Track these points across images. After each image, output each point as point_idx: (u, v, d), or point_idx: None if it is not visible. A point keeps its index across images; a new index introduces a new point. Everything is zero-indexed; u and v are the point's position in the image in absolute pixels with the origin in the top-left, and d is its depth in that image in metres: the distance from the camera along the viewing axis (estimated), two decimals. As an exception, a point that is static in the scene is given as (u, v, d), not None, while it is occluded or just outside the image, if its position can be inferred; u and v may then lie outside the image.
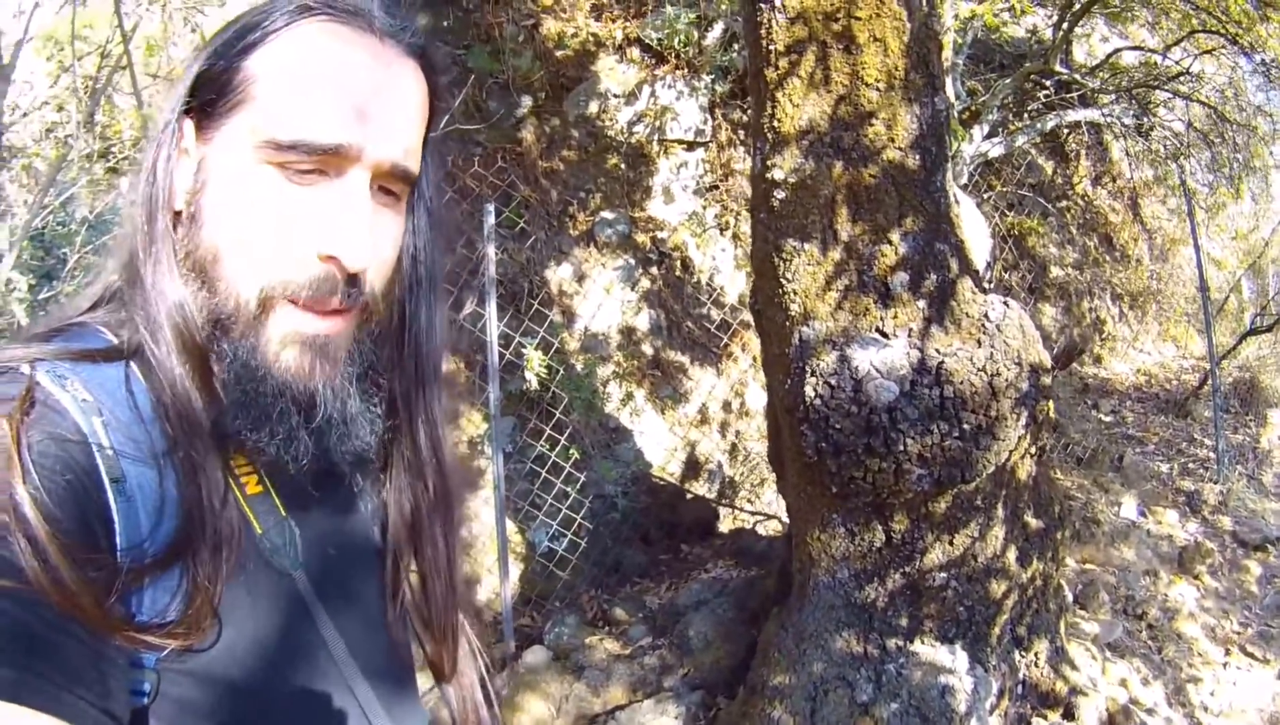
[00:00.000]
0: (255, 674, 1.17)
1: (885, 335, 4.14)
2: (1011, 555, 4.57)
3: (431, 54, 1.36)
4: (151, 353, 1.19)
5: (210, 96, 1.24)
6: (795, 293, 4.29)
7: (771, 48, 4.14)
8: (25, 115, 7.10)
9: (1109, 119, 10.53)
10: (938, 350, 4.07)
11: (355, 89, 1.22)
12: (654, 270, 8.80)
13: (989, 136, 9.35)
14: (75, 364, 1.16)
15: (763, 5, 4.12)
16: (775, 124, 4.20)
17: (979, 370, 4.04)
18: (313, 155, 1.19)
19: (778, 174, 4.21)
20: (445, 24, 8.66)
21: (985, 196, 10.80)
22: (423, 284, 1.46)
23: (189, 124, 1.25)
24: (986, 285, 4.48)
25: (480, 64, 8.59)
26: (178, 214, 1.25)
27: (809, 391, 4.19)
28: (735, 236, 9.20)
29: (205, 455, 1.16)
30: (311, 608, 1.28)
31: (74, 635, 0.97)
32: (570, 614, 6.87)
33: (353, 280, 1.23)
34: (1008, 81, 9.54)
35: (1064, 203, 12.20)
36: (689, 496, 8.30)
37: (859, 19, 4.01)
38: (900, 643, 4.50)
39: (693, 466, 8.52)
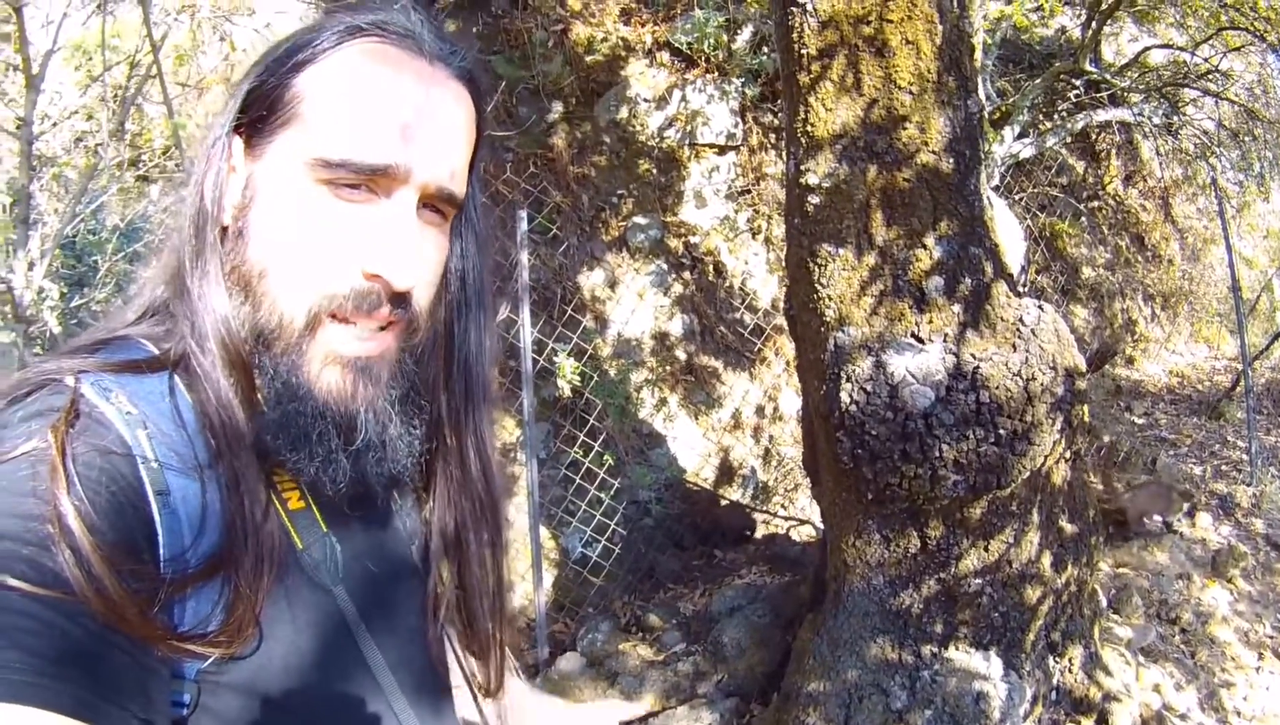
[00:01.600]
0: (295, 688, 1.18)
1: (921, 340, 4.12)
2: (1046, 561, 4.53)
3: (478, 78, 1.38)
4: (198, 364, 1.20)
5: (260, 113, 1.25)
6: (830, 298, 4.27)
7: (803, 51, 4.12)
8: (55, 124, 7.15)
9: (1139, 118, 10.47)
10: (973, 355, 4.04)
11: (404, 110, 1.24)
12: (686, 275, 8.79)
13: (1019, 137, 9.30)
14: (119, 376, 1.17)
15: (794, 9, 4.10)
16: (808, 128, 4.17)
17: (1014, 375, 4.01)
18: (360, 174, 1.20)
19: (812, 179, 4.19)
20: (474, 30, 8.68)
21: (1016, 198, 10.75)
22: (471, 305, 1.48)
23: (238, 141, 1.27)
24: (1021, 289, 4.45)
25: (510, 70, 8.60)
26: (224, 229, 1.26)
27: (844, 397, 4.17)
28: (767, 240, 9.17)
29: (248, 468, 1.17)
30: (351, 623, 1.28)
31: (117, 646, 0.98)
32: (604, 620, 6.87)
33: (399, 298, 1.25)
34: (1038, 82, 9.49)
35: (1095, 203, 12.13)
36: (722, 502, 8.27)
37: (891, 22, 3.99)
38: (935, 649, 4.47)
39: (726, 472, 8.51)
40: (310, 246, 1.21)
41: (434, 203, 1.30)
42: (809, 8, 4.06)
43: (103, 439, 1.07)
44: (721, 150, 9.16)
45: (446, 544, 1.48)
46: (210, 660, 1.09)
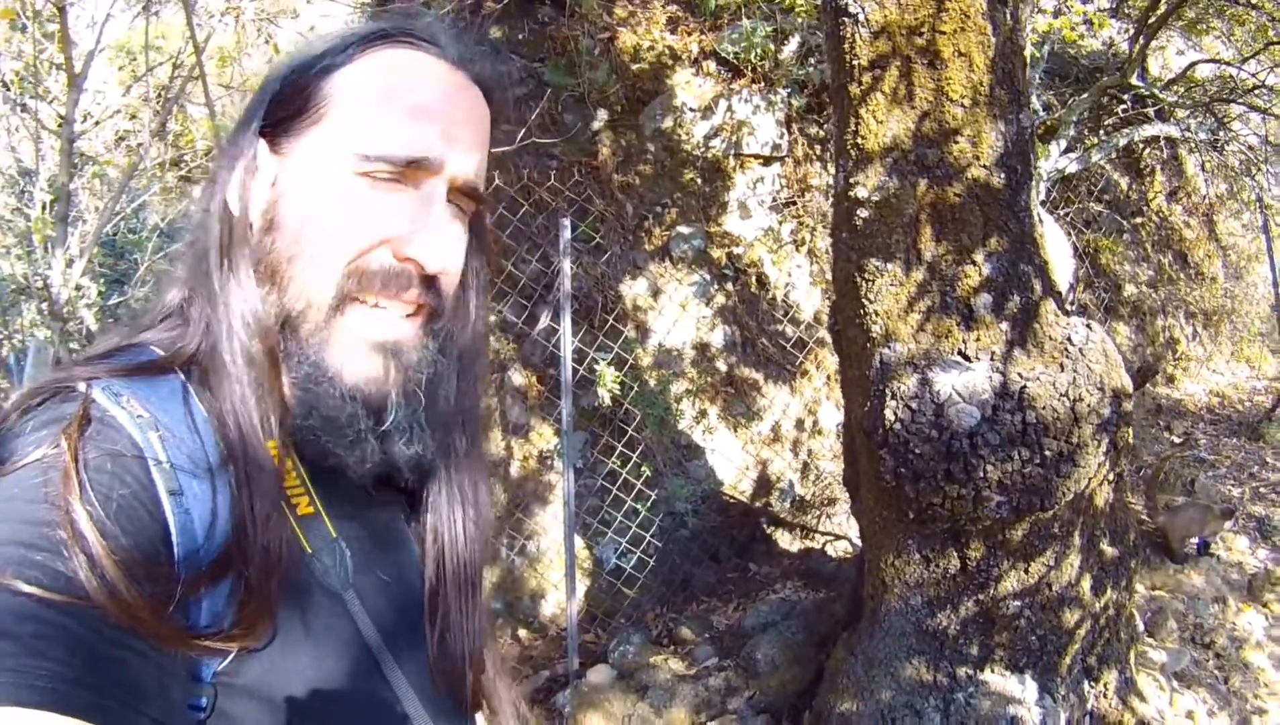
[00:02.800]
0: (309, 691, 1.19)
1: (968, 358, 4.08)
2: (1086, 584, 4.48)
3: (493, 84, 1.44)
4: (219, 360, 1.23)
5: (285, 115, 1.31)
6: (877, 314, 4.25)
7: (854, 63, 4.09)
8: (97, 123, 7.17)
9: (1185, 134, 10.38)
10: (1020, 374, 4.00)
11: (434, 107, 1.31)
12: (729, 286, 8.75)
13: (1065, 152, 9.23)
14: (130, 380, 1.18)
15: (845, 20, 4.07)
16: (859, 141, 4.15)
17: (1061, 395, 3.96)
18: (397, 166, 1.26)
19: (861, 192, 4.16)
20: (520, 37, 8.68)
21: (1062, 213, 10.67)
22: (470, 308, 1.52)
23: (262, 142, 1.32)
24: (1069, 307, 4.40)
25: (556, 77, 8.59)
26: (249, 226, 1.30)
27: (889, 415, 4.13)
28: (811, 252, 9.11)
29: (259, 468, 1.19)
30: (362, 627, 1.28)
31: (133, 650, 0.99)
32: (636, 632, 6.84)
33: (428, 281, 1.31)
34: (1085, 96, 9.42)
35: (1138, 219, 12.03)
36: (759, 516, 8.23)
37: (943, 33, 3.96)
38: (970, 671, 4.43)
39: (764, 485, 8.46)
40: (348, 230, 1.25)
41: (458, 197, 1.36)
42: (860, 18, 4.03)
43: (114, 443, 1.09)
44: (766, 161, 9.10)
45: (441, 549, 1.49)
46: (226, 661, 1.11)
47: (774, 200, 9.05)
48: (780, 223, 9.04)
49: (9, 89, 6.64)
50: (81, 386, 1.13)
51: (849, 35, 4.08)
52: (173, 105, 6.79)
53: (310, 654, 1.21)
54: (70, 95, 5.27)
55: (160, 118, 6.53)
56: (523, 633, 7.41)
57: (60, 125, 5.42)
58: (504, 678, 1.64)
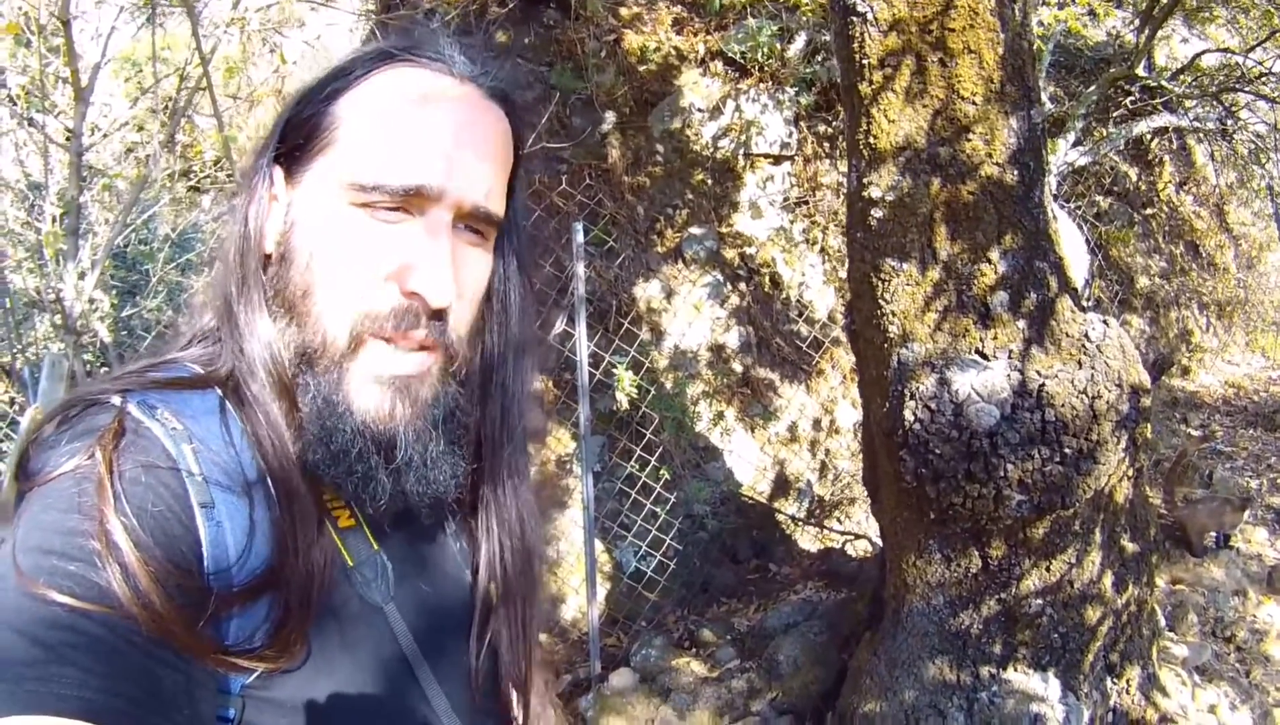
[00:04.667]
0: (344, 705, 1.19)
1: (985, 357, 4.07)
2: (1108, 581, 4.46)
3: (513, 98, 1.42)
4: (246, 387, 1.24)
5: (298, 141, 1.30)
6: (894, 314, 4.23)
7: (864, 61, 4.07)
8: (105, 136, 7.18)
9: (1193, 124, 10.34)
10: (1038, 372, 3.98)
11: (435, 131, 1.27)
12: (742, 286, 8.72)
13: (1075, 145, 9.20)
14: (165, 393, 1.20)
15: (854, 18, 4.05)
16: (871, 140, 4.13)
17: (1080, 393, 3.95)
18: (394, 196, 1.23)
19: (875, 192, 4.14)
20: (526, 41, 8.66)
21: (1074, 207, 10.64)
22: (510, 329, 1.49)
23: (279, 171, 1.32)
24: (1085, 303, 4.38)
25: (563, 81, 8.58)
26: (267, 256, 1.30)
27: (908, 415, 4.12)
28: (824, 251, 9.08)
29: (299, 487, 1.20)
30: (402, 641, 1.29)
31: (163, 660, 1.00)
32: (657, 635, 6.83)
33: (437, 316, 1.27)
34: (1092, 89, 9.39)
35: (1149, 210, 11.99)
36: (778, 516, 8.22)
37: (952, 30, 3.94)
38: (993, 671, 4.42)
39: (782, 485, 8.44)
40: (350, 267, 1.23)
41: (471, 222, 1.32)
42: (869, 16, 4.01)
43: (148, 454, 1.10)
44: (776, 160, 9.08)
45: (490, 568, 1.49)
46: (256, 675, 1.11)
47: (785, 199, 9.02)
48: (792, 222, 9.01)
49: (15, 104, 6.65)
50: (116, 399, 1.14)
51: (858, 34, 4.06)
52: (180, 117, 6.79)
53: (347, 667, 1.21)
54: (77, 109, 5.28)
55: (168, 129, 6.53)
56: (544, 637, 7.28)
57: (68, 139, 5.43)
58: (548, 704, 1.64)
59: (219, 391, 1.23)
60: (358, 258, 1.23)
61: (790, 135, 9.10)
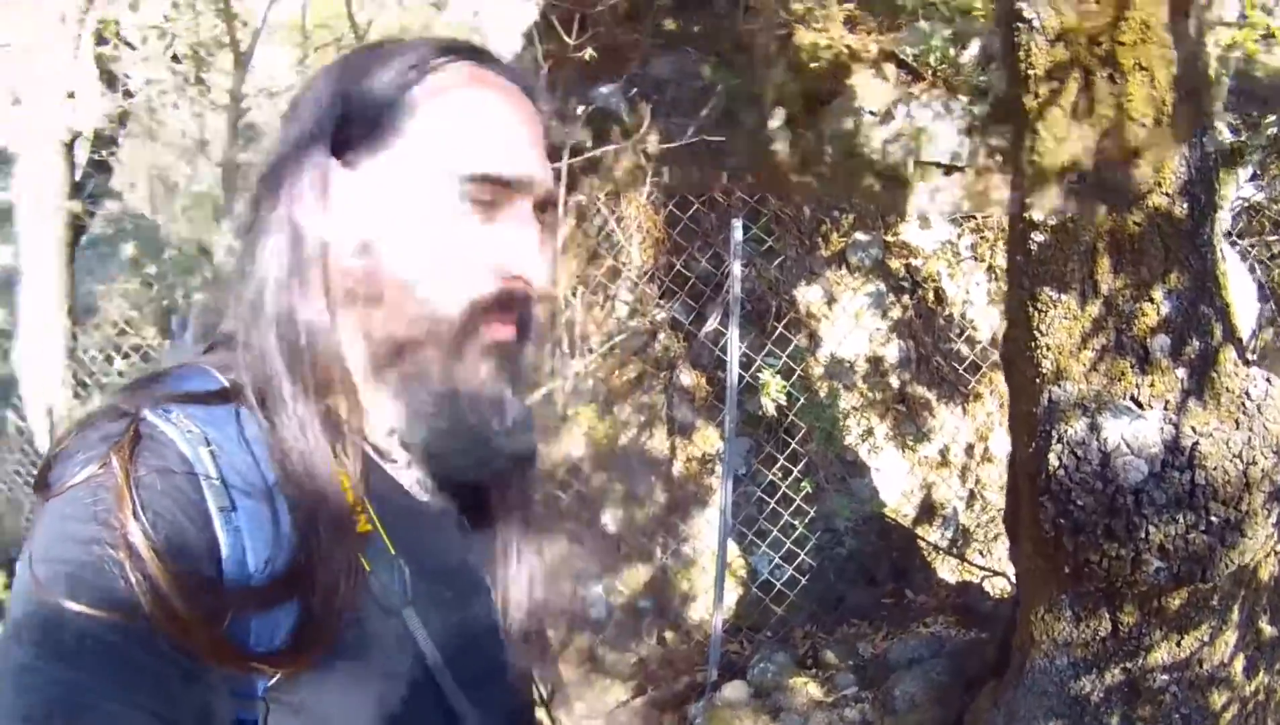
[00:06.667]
0: (363, 710, 1.18)
1: (1140, 405, 3.79)
2: (1239, 664, 4.16)
3: (544, 103, 1.43)
4: (279, 388, 1.21)
5: (357, 131, 1.29)
6: (1048, 348, 3.97)
7: (1030, 72, 3.81)
8: (271, 95, 7.32)
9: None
10: (1193, 428, 3.69)
11: (521, 125, 1.32)
12: (905, 299, 8.46)
13: (1251, 179, 8.72)
14: (180, 398, 1.17)
15: (1020, 25, 3.79)
16: (1034, 158, 3.87)
17: (1234, 457, 3.64)
18: (499, 186, 1.28)
19: (1036, 214, 3.90)
20: (695, 30, 8.52)
21: (1248, 246, 10.09)
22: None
23: (333, 159, 1.29)
24: (1250, 356, 4.07)
25: (729, 74, 8.43)
26: (325, 246, 1.29)
27: (1053, 459, 3.87)
28: (991, 269, 8.73)
29: (322, 489, 1.18)
30: (422, 644, 1.27)
31: (180, 667, 1.00)
32: (779, 651, 6.72)
33: (526, 301, 1.33)
34: (1271, 119, 8.87)
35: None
36: (919, 542, 7.99)
37: (1123, 44, 3.64)
38: (1109, 744, 4.18)
39: (927, 510, 8.18)
40: (457, 254, 1.26)
41: (540, 212, 1.36)
42: (1036, 23, 3.75)
43: (164, 459, 1.08)
44: (947, 170, 8.72)
45: (503, 566, 1.51)
46: (277, 679, 1.10)
47: (954, 212, 8.73)
48: (959, 236, 8.69)
49: (180, 62, 6.81)
50: (131, 406, 1.13)
51: (1024, 43, 3.81)
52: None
53: (366, 672, 1.20)
54: (237, 73, 5.37)
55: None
56: (669, 634, 7.37)
57: (230, 100, 5.53)
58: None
59: (236, 398, 1.21)
60: (465, 245, 1.26)
61: (961, 145, 8.75)
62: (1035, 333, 4.00)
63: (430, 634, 1.28)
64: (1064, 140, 3.78)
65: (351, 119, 1.28)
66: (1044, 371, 4.00)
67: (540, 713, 1.59)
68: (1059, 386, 3.94)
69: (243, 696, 1.08)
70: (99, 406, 1.17)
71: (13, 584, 1.04)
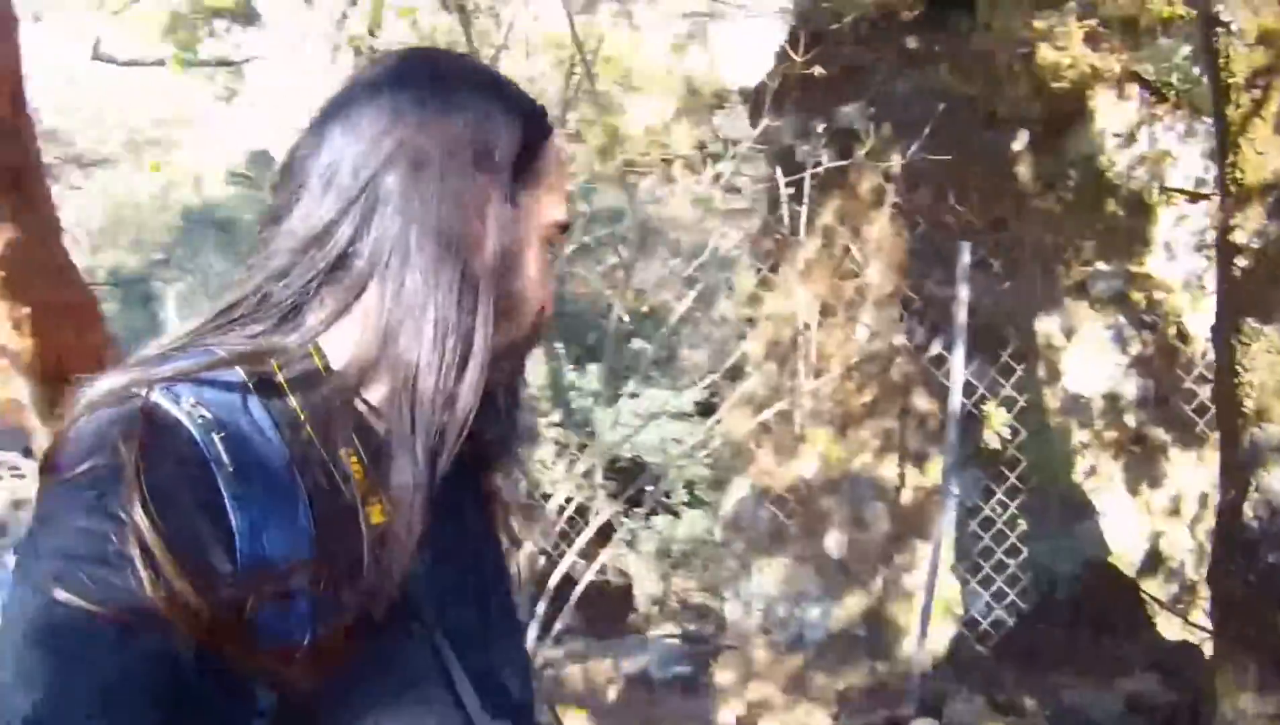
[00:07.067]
0: (377, 703, 1.18)
1: (1347, 456, 3.46)
2: None
3: None
4: (322, 375, 1.22)
5: (521, 166, 1.32)
6: (1251, 385, 3.72)
7: (1229, 80, 3.56)
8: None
9: None
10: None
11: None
12: (1145, 334, 8.05)
13: None
14: (194, 381, 1.15)
15: (1218, 29, 3.54)
16: (1237, 174, 3.64)
17: None
18: (563, 232, 1.44)
19: (1239, 236, 3.67)
20: (935, 49, 8.33)
21: None
22: None
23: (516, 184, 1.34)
24: None
25: (966, 91, 8.17)
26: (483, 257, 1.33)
27: (1248, 509, 3.64)
28: (1238, 306, 8.25)
29: (340, 478, 1.17)
30: (435, 638, 1.26)
31: (189, 664, 1.01)
32: (979, 694, 6.53)
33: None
34: None
35: None
36: (1141, 593, 7.58)
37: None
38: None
39: (1153, 559, 7.78)
40: (542, 284, 1.36)
41: None
42: (1234, 27, 3.47)
43: (174, 446, 1.07)
44: (1194, 197, 8.21)
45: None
46: (290, 669, 1.09)
47: (1199, 242, 8.21)
48: (1205, 270, 8.19)
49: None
50: (141, 389, 1.11)
51: (1223, 48, 3.56)
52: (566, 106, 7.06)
53: (379, 663, 1.20)
54: None
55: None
56: (879, 665, 7.26)
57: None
58: None
59: (247, 377, 1.18)
60: (546, 277, 1.37)
61: (1206, 171, 8.15)
62: (1237, 367, 3.77)
63: (443, 624, 1.27)
64: (1266, 155, 3.51)
65: (522, 156, 1.31)
66: (1246, 411, 3.76)
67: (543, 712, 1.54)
68: (1260, 428, 3.69)
69: (254, 687, 1.08)
70: (108, 384, 1.14)
71: (13, 571, 1.04)
